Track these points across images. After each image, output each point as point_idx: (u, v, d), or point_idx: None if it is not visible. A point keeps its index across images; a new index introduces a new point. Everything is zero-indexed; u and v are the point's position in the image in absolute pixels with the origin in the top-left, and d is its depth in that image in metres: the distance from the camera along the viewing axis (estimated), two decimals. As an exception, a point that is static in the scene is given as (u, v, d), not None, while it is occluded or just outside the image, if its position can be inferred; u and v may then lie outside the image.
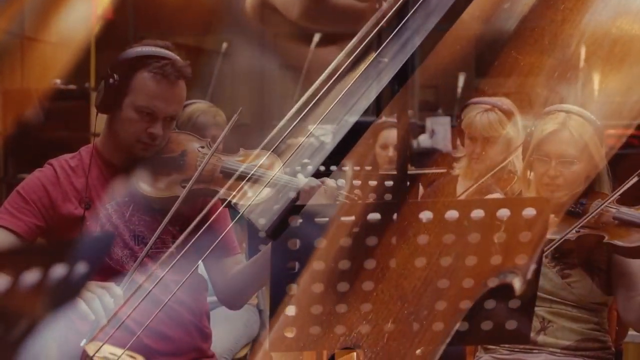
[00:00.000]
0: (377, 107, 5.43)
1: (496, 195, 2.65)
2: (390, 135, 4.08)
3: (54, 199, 2.09)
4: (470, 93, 8.60)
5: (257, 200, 2.13)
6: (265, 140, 2.20)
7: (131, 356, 1.92)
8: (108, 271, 2.05)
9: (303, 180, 2.10)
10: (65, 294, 0.78)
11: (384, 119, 4.36)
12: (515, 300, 1.74)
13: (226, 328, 2.94)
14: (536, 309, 2.33)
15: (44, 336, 0.78)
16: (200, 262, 2.26)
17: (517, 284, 1.72)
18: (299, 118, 2.09)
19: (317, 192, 2.08)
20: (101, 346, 1.80)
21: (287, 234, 1.72)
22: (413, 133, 6.57)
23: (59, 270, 0.71)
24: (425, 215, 1.64)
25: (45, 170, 2.14)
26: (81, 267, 0.74)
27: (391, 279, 1.68)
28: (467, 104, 3.26)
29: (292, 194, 2.20)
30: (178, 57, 2.14)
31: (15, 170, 7.49)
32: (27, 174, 6.75)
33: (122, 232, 2.10)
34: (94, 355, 1.79)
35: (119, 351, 1.89)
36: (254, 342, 3.26)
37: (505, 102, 3.19)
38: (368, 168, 3.15)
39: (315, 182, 2.10)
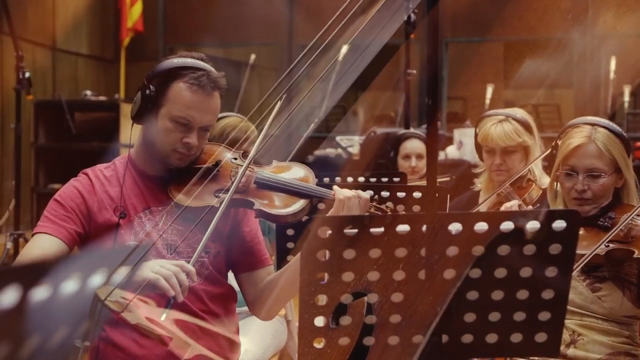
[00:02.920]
0: (405, 119, 5.44)
1: (514, 203, 2.64)
2: (412, 146, 4.16)
3: (90, 207, 2.11)
4: (498, 104, 8.58)
5: (290, 210, 2.14)
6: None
7: (143, 300, 1.93)
8: None
9: (338, 190, 2.12)
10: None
11: (404, 130, 4.42)
12: (544, 312, 1.73)
13: (254, 338, 2.94)
14: (566, 321, 2.32)
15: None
16: (230, 272, 2.28)
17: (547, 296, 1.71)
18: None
19: (350, 203, 2.09)
20: (112, 290, 1.80)
21: (317, 245, 1.72)
22: (441, 144, 6.57)
23: (96, 280, 0.72)
24: (455, 227, 1.64)
25: (81, 179, 2.17)
26: (117, 277, 0.75)
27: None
28: (481, 117, 3.26)
29: (322, 206, 2.21)
30: (213, 69, 2.16)
31: (47, 181, 7.56)
32: (58, 184, 6.79)
33: (155, 242, 2.12)
34: (105, 298, 1.79)
35: (130, 295, 1.90)
36: (281, 353, 3.26)
37: (518, 112, 3.19)
38: (396, 180, 3.15)
39: (350, 192, 2.12)
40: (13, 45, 5.12)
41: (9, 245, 4.91)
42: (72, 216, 2.09)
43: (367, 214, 2.12)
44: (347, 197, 2.11)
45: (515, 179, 3.07)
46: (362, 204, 2.12)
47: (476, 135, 3.21)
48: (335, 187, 2.17)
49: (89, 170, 2.19)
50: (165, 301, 1.90)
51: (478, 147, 3.22)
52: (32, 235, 2.10)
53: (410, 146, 4.19)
